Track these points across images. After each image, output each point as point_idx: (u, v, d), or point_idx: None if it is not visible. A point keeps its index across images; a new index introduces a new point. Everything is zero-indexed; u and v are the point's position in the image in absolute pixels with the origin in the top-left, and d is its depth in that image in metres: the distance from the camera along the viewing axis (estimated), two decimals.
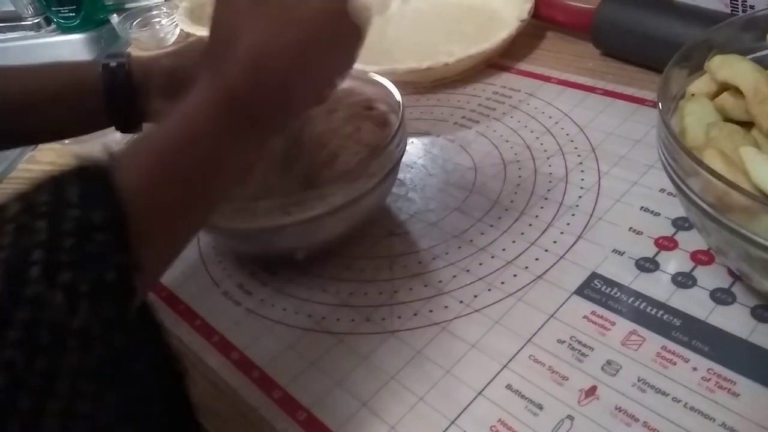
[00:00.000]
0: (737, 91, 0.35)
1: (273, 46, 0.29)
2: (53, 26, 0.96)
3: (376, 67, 0.59)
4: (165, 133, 0.29)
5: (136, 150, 0.28)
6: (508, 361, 0.36)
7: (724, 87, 0.37)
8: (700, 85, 0.38)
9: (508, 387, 0.35)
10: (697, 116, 0.36)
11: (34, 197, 0.24)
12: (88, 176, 0.25)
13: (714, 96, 0.37)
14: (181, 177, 0.28)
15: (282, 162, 0.44)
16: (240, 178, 0.31)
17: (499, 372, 0.35)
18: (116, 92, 0.42)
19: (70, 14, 0.92)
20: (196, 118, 0.29)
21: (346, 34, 0.32)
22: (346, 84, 0.50)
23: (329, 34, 0.31)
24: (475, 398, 0.34)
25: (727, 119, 0.36)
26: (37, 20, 0.96)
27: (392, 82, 0.48)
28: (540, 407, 0.33)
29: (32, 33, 0.96)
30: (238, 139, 0.30)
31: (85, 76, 0.43)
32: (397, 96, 0.46)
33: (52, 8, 0.92)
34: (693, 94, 0.37)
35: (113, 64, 0.43)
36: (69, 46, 0.92)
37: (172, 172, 0.28)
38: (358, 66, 0.59)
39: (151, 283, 0.29)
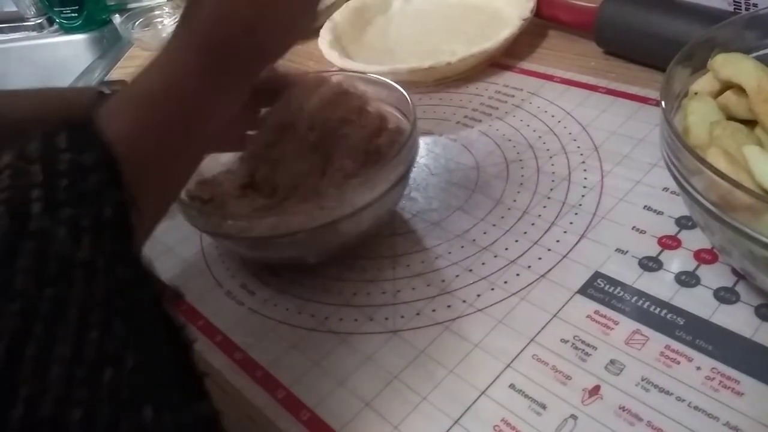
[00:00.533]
0: (740, 90, 0.35)
1: None
2: (56, 27, 0.96)
3: (378, 67, 0.59)
4: (144, 83, 0.30)
5: (119, 100, 0.29)
6: (512, 361, 0.36)
7: (728, 85, 0.36)
8: (703, 83, 0.38)
9: (512, 386, 0.35)
10: (700, 115, 0.36)
11: (24, 146, 0.25)
12: (75, 125, 0.26)
13: (717, 95, 0.37)
14: (164, 122, 0.29)
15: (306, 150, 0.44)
16: (221, 116, 0.32)
17: (502, 371, 0.35)
18: None
19: (73, 14, 0.92)
20: (171, 66, 0.30)
21: None
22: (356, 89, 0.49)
23: None
24: (478, 398, 0.34)
25: (731, 118, 0.36)
26: (39, 21, 0.97)
27: (394, 82, 0.48)
28: (543, 407, 0.33)
29: (35, 33, 0.96)
30: (215, 83, 0.31)
31: (78, 103, 0.44)
32: (409, 101, 0.45)
33: (55, 9, 0.92)
34: (696, 93, 0.37)
35: (108, 91, 0.44)
36: (71, 47, 0.92)
37: (154, 118, 0.29)
38: (360, 66, 0.60)
39: (149, 228, 0.30)
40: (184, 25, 0.32)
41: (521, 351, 0.36)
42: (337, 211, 0.39)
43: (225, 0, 0.31)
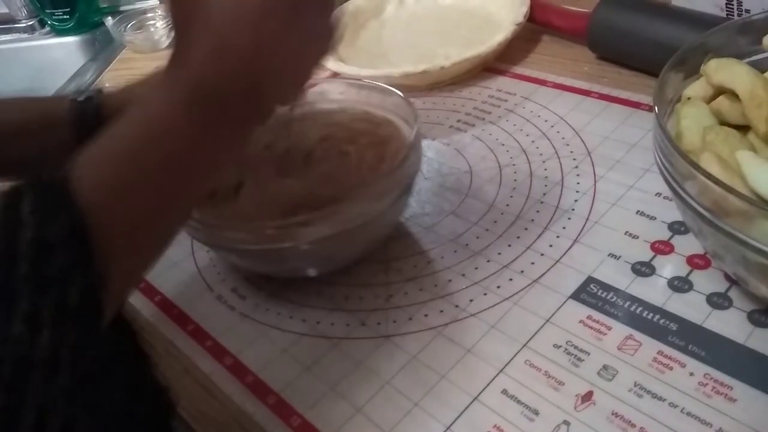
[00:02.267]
0: (733, 95, 0.35)
1: (231, 15, 0.26)
2: (47, 29, 0.95)
3: (372, 71, 0.59)
4: (126, 135, 0.26)
5: (93, 157, 0.25)
6: (504, 366, 0.36)
7: (720, 91, 0.36)
8: (697, 88, 0.38)
9: (504, 392, 0.34)
10: (693, 120, 0.35)
11: None
12: (41, 190, 0.23)
13: (710, 100, 0.37)
14: (147, 181, 0.26)
15: (286, 169, 0.43)
16: (215, 176, 0.29)
17: (494, 377, 0.35)
18: (85, 125, 0.40)
19: (65, 17, 0.91)
20: (159, 116, 0.26)
21: (312, 9, 0.29)
22: (358, 95, 0.49)
23: (290, 6, 0.28)
24: (470, 404, 0.34)
25: (724, 123, 0.36)
26: (31, 23, 0.96)
27: (388, 86, 0.47)
28: (536, 413, 0.33)
29: (26, 35, 0.96)
30: (207, 135, 0.27)
31: (52, 109, 0.42)
32: (412, 109, 0.44)
33: (46, 10, 0.92)
34: (689, 98, 0.37)
35: (81, 98, 0.42)
36: (63, 49, 0.92)
37: (136, 177, 0.25)
38: (353, 70, 0.60)
39: (125, 294, 0.28)
40: (174, 70, 0.27)
41: (514, 356, 0.36)
42: (344, 224, 0.38)
43: (223, 39, 0.26)
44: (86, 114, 0.41)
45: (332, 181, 0.42)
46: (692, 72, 0.39)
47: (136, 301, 0.45)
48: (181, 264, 0.48)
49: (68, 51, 0.91)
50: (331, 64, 0.63)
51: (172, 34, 0.28)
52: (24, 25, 0.97)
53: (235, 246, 0.41)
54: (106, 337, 0.23)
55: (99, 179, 0.25)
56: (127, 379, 0.24)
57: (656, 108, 0.35)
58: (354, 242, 0.42)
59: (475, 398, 0.34)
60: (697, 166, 0.31)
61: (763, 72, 0.36)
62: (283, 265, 0.43)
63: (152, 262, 0.28)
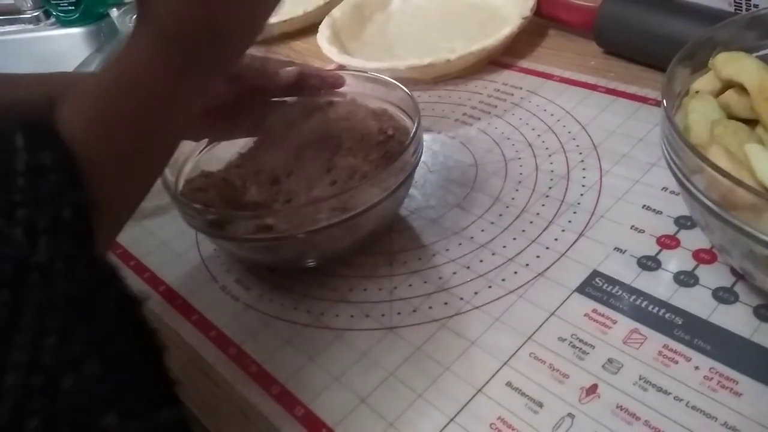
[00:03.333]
0: (742, 89, 0.35)
1: None
2: (52, 20, 0.95)
3: (377, 64, 0.59)
4: (105, 79, 0.28)
5: (78, 96, 0.28)
6: (509, 359, 0.35)
7: (729, 84, 0.36)
8: (704, 82, 0.37)
9: (508, 384, 0.34)
10: (701, 113, 0.35)
11: None
12: (31, 124, 0.25)
13: (718, 93, 0.37)
14: (126, 118, 0.28)
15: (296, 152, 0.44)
16: (188, 114, 0.31)
17: (499, 369, 0.35)
18: None
19: (70, 8, 0.91)
20: (132, 61, 0.29)
21: None
22: (360, 87, 0.49)
23: None
24: (474, 395, 0.34)
25: (732, 117, 0.35)
26: (36, 13, 0.96)
27: (393, 79, 0.47)
28: (540, 405, 0.33)
29: (31, 26, 0.96)
30: (179, 76, 0.29)
31: (59, 90, 0.43)
32: (414, 102, 0.44)
33: (52, 1, 0.91)
34: (697, 92, 0.37)
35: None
36: (68, 40, 0.92)
37: (115, 114, 0.27)
38: (359, 62, 0.60)
39: (114, 229, 0.29)
40: (143, 21, 0.30)
41: (518, 349, 0.36)
42: (342, 213, 0.39)
43: None
44: None
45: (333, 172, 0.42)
46: (700, 66, 0.39)
47: (140, 290, 0.45)
48: (185, 255, 0.48)
49: (73, 42, 0.91)
50: (336, 57, 0.63)
51: None
52: (29, 16, 0.96)
53: (236, 236, 0.40)
54: (98, 262, 0.24)
55: (83, 116, 0.27)
56: (119, 305, 0.25)
57: (664, 101, 0.35)
58: (354, 232, 0.42)
59: (479, 390, 0.34)
60: (705, 159, 0.31)
61: None
62: (282, 254, 0.43)
63: (138, 195, 0.30)
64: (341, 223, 0.39)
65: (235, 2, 0.30)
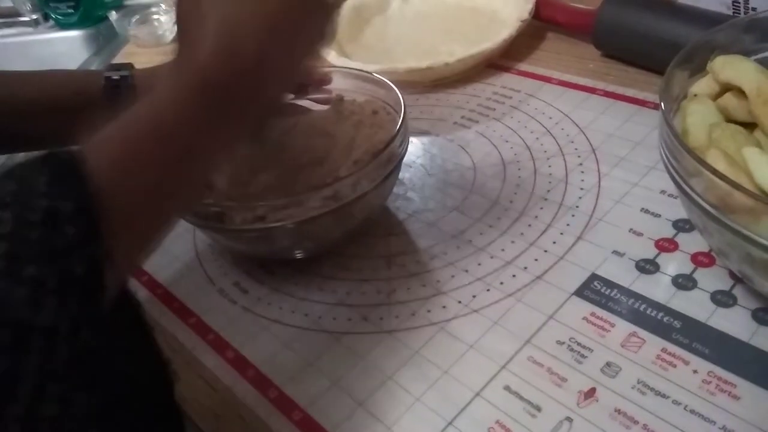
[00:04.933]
0: (740, 92, 0.35)
1: (243, 21, 0.28)
2: (51, 22, 0.95)
3: (377, 67, 0.59)
4: (137, 121, 0.27)
5: (107, 138, 0.26)
6: (507, 362, 0.35)
7: (727, 88, 0.36)
8: (703, 85, 0.37)
9: (507, 388, 0.34)
10: (699, 117, 0.35)
11: (0, 186, 0.23)
12: (57, 164, 0.24)
13: (716, 97, 0.37)
14: (155, 165, 0.27)
15: (272, 156, 0.44)
16: (219, 163, 0.31)
17: (497, 373, 0.35)
18: (119, 104, 0.42)
19: (69, 11, 0.91)
20: (168, 105, 0.28)
21: (317, 18, 0.32)
22: (348, 84, 0.50)
23: (299, 16, 0.30)
24: (472, 399, 0.34)
25: (730, 120, 0.35)
26: (35, 17, 0.96)
27: (392, 82, 0.48)
28: (538, 409, 0.33)
29: (30, 29, 0.96)
30: (213, 125, 0.28)
31: (87, 85, 0.43)
32: (399, 95, 0.45)
33: (51, 4, 0.92)
34: (695, 95, 0.37)
35: (116, 77, 0.43)
36: (67, 43, 0.92)
37: (144, 160, 0.26)
38: (357, 65, 0.60)
39: (128, 273, 0.28)
40: (183, 62, 0.29)
41: (516, 352, 0.36)
42: (327, 204, 0.39)
43: (235, 30, 0.28)
44: (120, 94, 0.42)
45: (320, 163, 0.42)
46: (698, 70, 0.39)
47: (138, 293, 0.45)
48: (183, 257, 0.48)
49: (72, 45, 0.91)
50: (334, 59, 0.63)
51: (177, 28, 0.30)
52: (28, 19, 0.96)
53: (225, 226, 0.41)
54: (109, 312, 0.23)
55: (110, 160, 0.25)
56: (128, 351, 0.25)
57: (662, 104, 0.35)
58: (339, 223, 0.42)
59: (477, 394, 0.34)
60: (703, 163, 0.30)
61: None
62: (270, 245, 0.43)
63: (157, 240, 0.28)
64: (332, 212, 0.39)
65: (282, 68, 0.30)
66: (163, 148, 0.27)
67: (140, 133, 0.27)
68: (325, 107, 0.49)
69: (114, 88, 0.42)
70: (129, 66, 0.44)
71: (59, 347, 0.21)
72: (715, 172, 0.30)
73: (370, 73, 0.50)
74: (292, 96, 0.48)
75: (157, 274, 0.47)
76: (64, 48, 0.91)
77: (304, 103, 0.49)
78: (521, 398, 0.33)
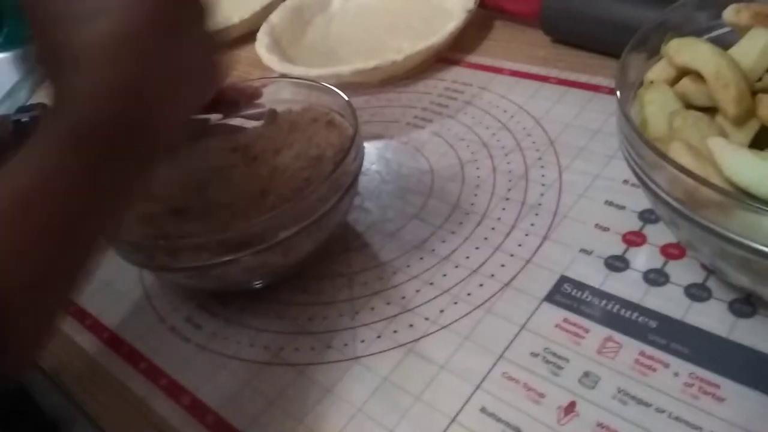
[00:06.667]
0: (698, 76, 0.33)
1: (104, 60, 0.25)
2: None
3: (321, 70, 0.56)
4: (11, 195, 0.23)
5: None
6: (481, 381, 0.33)
7: (684, 72, 0.35)
8: (658, 71, 0.36)
9: (483, 410, 0.32)
10: (658, 105, 0.34)
11: None
12: None
13: (674, 82, 0.35)
14: (40, 240, 0.23)
15: (226, 181, 0.41)
16: (122, 210, 0.27)
17: (472, 394, 0.33)
18: None
19: None
20: (42, 170, 0.24)
21: (188, 19, 0.28)
22: (296, 95, 0.47)
23: (164, 25, 0.26)
24: (448, 426, 0.32)
25: (690, 106, 0.34)
26: None
27: (339, 84, 0.45)
28: (518, 430, 0.31)
29: None
30: (98, 175, 0.25)
31: None
32: (348, 102, 0.42)
33: None
34: (652, 82, 0.35)
35: (24, 119, 0.39)
36: None
37: (27, 239, 0.23)
38: (301, 70, 0.57)
39: (34, 350, 0.25)
40: (54, 119, 0.25)
41: (490, 369, 0.34)
42: (282, 232, 0.36)
43: (95, 78, 0.25)
44: (30, 133, 0.39)
45: (268, 192, 0.40)
46: (655, 52, 0.37)
47: (83, 339, 0.42)
48: (129, 294, 0.45)
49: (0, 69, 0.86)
50: (277, 65, 0.60)
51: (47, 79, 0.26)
52: None
53: (162, 263, 0.38)
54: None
55: None
56: None
57: (618, 93, 0.33)
58: (297, 249, 0.39)
59: (453, 419, 0.32)
60: (666, 157, 0.29)
61: (725, 48, 0.34)
62: (225, 280, 0.40)
63: (60, 310, 0.26)
64: (288, 239, 0.37)
65: (164, 89, 0.27)
66: (46, 218, 0.23)
67: (17, 209, 0.23)
68: (258, 123, 0.46)
69: (24, 131, 0.39)
70: (39, 106, 0.41)
71: None
72: (679, 167, 0.28)
73: (314, 80, 0.47)
74: (220, 116, 0.45)
75: (103, 316, 0.43)
76: None
77: (235, 121, 0.46)
78: (499, 420, 0.32)
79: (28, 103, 0.43)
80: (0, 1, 0.84)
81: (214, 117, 0.46)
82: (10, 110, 0.71)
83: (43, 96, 0.75)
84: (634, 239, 0.38)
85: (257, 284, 0.41)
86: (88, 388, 0.39)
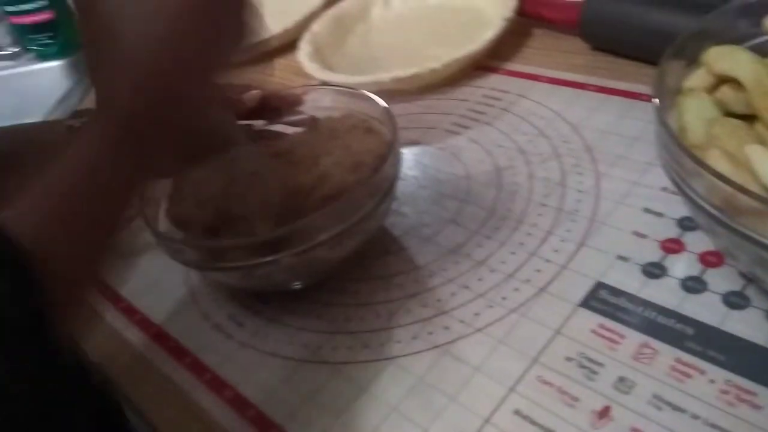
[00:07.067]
0: (737, 84, 0.33)
1: (147, 51, 0.29)
2: (32, 54, 0.94)
3: (361, 78, 0.58)
4: (61, 173, 0.28)
5: (32, 194, 0.27)
6: (515, 384, 0.34)
7: (722, 80, 0.35)
8: (697, 79, 0.36)
9: (517, 412, 0.33)
10: (696, 113, 0.34)
11: None
12: None
13: (712, 89, 0.35)
14: (80, 215, 0.28)
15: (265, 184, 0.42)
16: (146, 183, 0.33)
17: (506, 396, 0.33)
18: None
19: (48, 41, 0.90)
20: (90, 154, 0.28)
21: (227, 11, 0.31)
22: (336, 103, 0.48)
23: (201, 10, 0.30)
24: (482, 427, 0.33)
25: (728, 113, 0.34)
26: (15, 49, 0.94)
27: (378, 92, 0.46)
28: None
29: (11, 63, 0.94)
30: (136, 161, 0.30)
31: (47, 135, 0.43)
32: (387, 109, 0.43)
33: (29, 36, 0.90)
34: (690, 90, 0.35)
35: (77, 124, 0.42)
36: (48, 74, 0.90)
37: (72, 211, 0.27)
38: (342, 78, 0.58)
39: (77, 307, 0.29)
40: (98, 108, 0.30)
41: (524, 373, 0.34)
42: (322, 234, 0.38)
43: (141, 62, 0.29)
44: None
45: (309, 195, 0.41)
46: (693, 59, 0.37)
47: (131, 334, 0.44)
48: (175, 292, 0.46)
49: (53, 76, 0.89)
50: (319, 73, 0.61)
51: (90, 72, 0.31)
52: (8, 52, 0.95)
53: (224, 264, 0.39)
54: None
55: (37, 216, 0.26)
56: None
57: (657, 101, 0.34)
58: (336, 251, 0.40)
59: (487, 420, 0.33)
60: (704, 164, 0.29)
61: (765, 56, 0.34)
62: (268, 279, 0.41)
63: (93, 282, 0.31)
64: (330, 240, 0.38)
65: (196, 80, 0.31)
66: (89, 196, 0.28)
67: (65, 184, 0.28)
68: (300, 130, 0.47)
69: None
70: (91, 111, 0.44)
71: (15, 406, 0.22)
72: (717, 174, 0.28)
73: (353, 87, 0.48)
74: (263, 123, 0.47)
75: (150, 313, 0.45)
76: (45, 79, 0.90)
77: (277, 128, 0.48)
78: (533, 422, 0.32)
79: (80, 109, 0.45)
80: (56, 11, 0.88)
81: (258, 123, 0.47)
82: (63, 116, 0.75)
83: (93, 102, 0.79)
84: (673, 246, 0.38)
85: (297, 285, 0.42)
86: (135, 380, 0.41)
